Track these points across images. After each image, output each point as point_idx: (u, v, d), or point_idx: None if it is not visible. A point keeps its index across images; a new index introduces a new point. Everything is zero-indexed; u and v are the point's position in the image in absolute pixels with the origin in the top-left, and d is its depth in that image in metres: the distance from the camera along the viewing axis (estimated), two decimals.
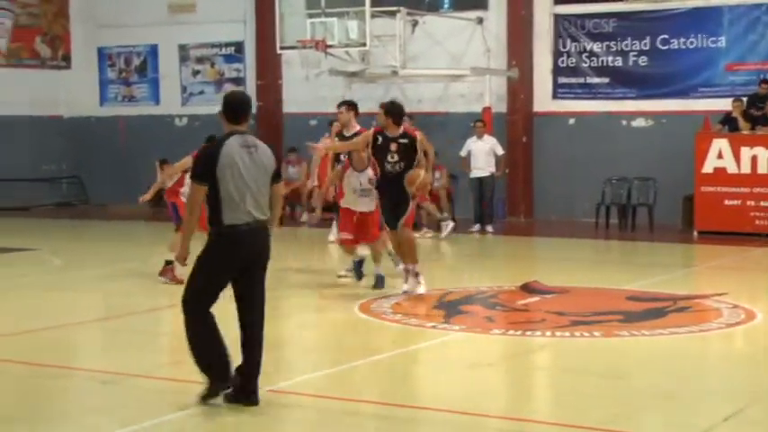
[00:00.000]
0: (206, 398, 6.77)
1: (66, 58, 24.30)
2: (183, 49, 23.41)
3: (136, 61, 24.07)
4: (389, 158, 10.88)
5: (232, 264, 6.71)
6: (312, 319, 10.23)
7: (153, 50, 23.80)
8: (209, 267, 6.71)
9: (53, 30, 24.00)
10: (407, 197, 10.87)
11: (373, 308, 10.49)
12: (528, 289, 11.39)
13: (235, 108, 6.84)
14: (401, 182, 10.80)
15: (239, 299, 6.82)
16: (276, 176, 6.90)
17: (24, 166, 22.74)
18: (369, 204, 11.69)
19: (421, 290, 11.00)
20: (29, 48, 23.52)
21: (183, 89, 23.36)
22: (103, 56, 24.36)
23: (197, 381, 6.91)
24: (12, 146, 22.38)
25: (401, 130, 10.97)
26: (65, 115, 24.19)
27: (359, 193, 11.65)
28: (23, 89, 23.01)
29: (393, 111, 10.97)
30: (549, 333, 9.25)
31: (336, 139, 12.82)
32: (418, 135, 17.96)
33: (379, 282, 11.59)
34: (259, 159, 6.76)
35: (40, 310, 10.81)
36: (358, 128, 12.33)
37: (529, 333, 9.38)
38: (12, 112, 22.61)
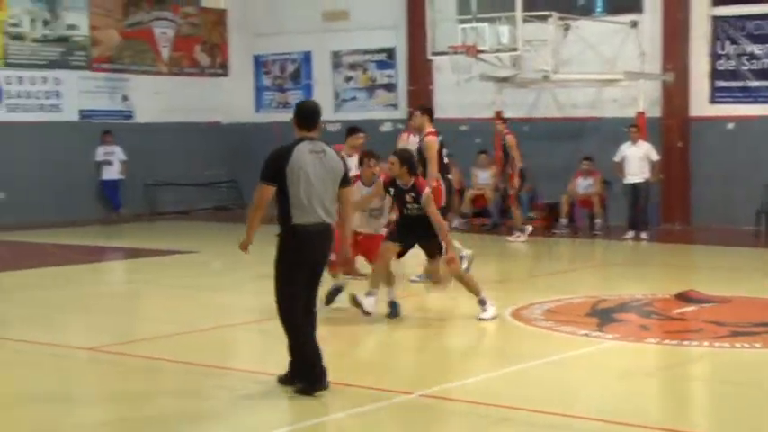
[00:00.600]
0: (302, 393, 7.06)
1: (224, 66, 24.99)
2: (335, 55, 23.75)
3: (290, 68, 24.55)
4: (408, 206, 10.05)
5: (303, 261, 7.08)
6: (464, 325, 10.21)
7: (307, 57, 24.23)
8: (284, 268, 7.10)
9: (212, 39, 24.72)
10: (434, 232, 9.87)
11: (525, 314, 10.41)
12: (684, 298, 11.10)
13: (306, 116, 7.26)
14: (423, 220, 9.90)
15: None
16: (344, 181, 7.29)
17: (185, 171, 23.43)
18: (376, 225, 11.14)
19: (487, 314, 10.05)
20: (189, 56, 24.27)
21: (336, 95, 23.69)
22: (259, 63, 24.94)
23: (354, 384, 6.99)
24: (173, 151, 23.10)
25: (412, 181, 9.99)
26: (222, 121, 24.84)
27: (368, 213, 11.07)
28: (184, 97, 23.76)
29: (408, 160, 10.03)
30: (706, 343, 9.00)
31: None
32: (509, 139, 17.96)
33: (394, 309, 10.29)
34: (328, 164, 7.18)
35: (198, 311, 11.11)
36: (429, 129, 12.31)
37: (686, 343, 9.14)
38: (173, 119, 23.37)
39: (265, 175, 7.07)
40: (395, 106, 22.99)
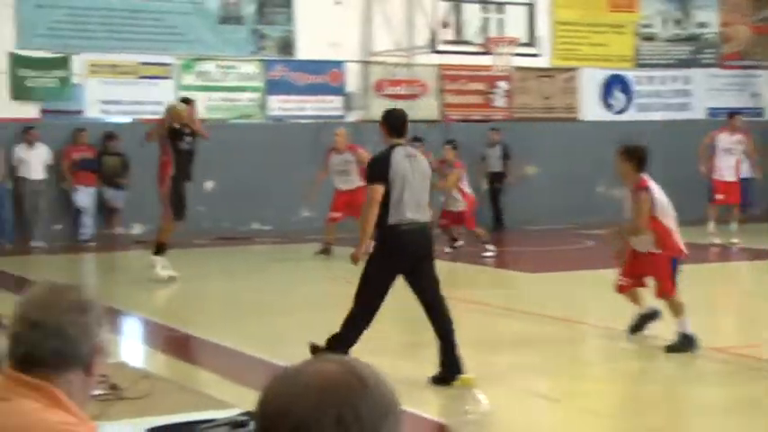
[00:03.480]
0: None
1: None
2: None
3: None
4: None
5: (396, 260, 7.47)
6: None
7: None
8: (376, 264, 7.54)
9: None
10: None
11: None
12: None
13: (396, 123, 7.73)
14: None
15: (416, 292, 7.58)
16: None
17: None
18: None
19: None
20: None
21: None
22: None
23: None
24: None
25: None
26: None
27: None
28: None
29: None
30: None
31: None
32: None
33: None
34: (419, 167, 7.68)
35: None
36: None
37: None
38: None
39: (372, 177, 7.64)
40: None
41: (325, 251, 15.21)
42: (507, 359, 8.66)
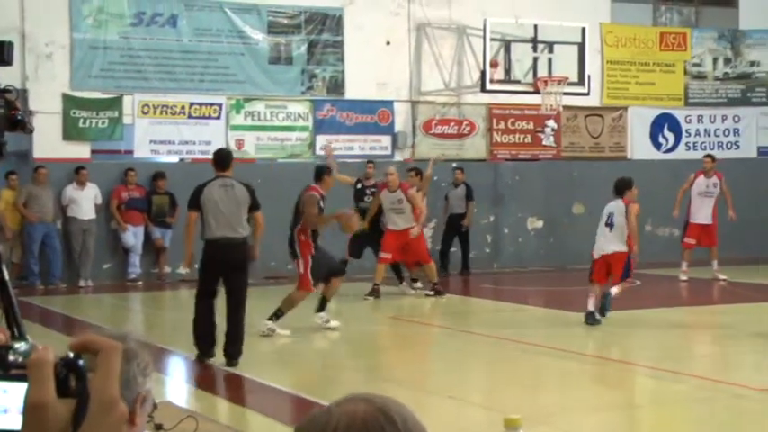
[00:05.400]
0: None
1: None
2: None
3: None
4: None
5: (211, 267, 9.63)
6: None
7: None
8: (201, 270, 9.84)
9: None
10: None
11: None
12: None
13: (217, 160, 9.91)
14: None
15: (225, 292, 9.75)
16: (253, 207, 9.77)
17: None
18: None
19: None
20: None
21: None
22: None
23: None
24: None
25: None
26: None
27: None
28: None
29: None
30: None
31: None
32: None
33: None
34: (233, 195, 9.56)
35: None
36: None
37: None
38: None
39: (188, 204, 9.82)
40: None
41: (374, 292, 15.16)
42: (552, 398, 8.57)
